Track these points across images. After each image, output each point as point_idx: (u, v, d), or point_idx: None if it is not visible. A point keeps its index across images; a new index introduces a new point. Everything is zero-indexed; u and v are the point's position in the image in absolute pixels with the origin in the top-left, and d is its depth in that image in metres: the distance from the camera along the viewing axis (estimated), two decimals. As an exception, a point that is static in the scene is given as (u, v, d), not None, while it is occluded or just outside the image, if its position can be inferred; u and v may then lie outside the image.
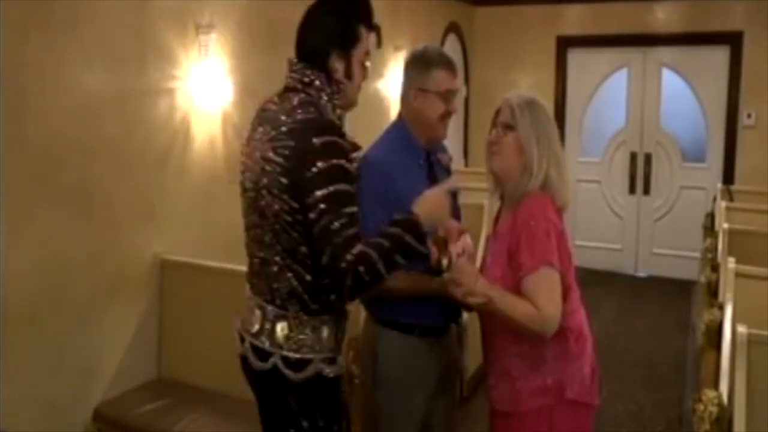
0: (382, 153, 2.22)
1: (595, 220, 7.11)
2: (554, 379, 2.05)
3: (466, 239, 2.12)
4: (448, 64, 2.27)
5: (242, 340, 1.92)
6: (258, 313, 1.86)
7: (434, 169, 2.30)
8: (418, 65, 2.27)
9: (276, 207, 1.75)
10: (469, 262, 2.09)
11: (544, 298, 1.93)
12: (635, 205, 7.12)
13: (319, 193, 1.67)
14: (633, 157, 7.09)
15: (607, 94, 7.19)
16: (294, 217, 1.74)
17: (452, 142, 4.30)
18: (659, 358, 4.94)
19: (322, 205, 1.67)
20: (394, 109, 5.52)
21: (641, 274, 7.11)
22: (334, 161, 1.69)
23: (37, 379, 2.68)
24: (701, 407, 2.30)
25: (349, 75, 1.88)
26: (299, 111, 1.78)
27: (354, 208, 1.70)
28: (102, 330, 2.96)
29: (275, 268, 1.81)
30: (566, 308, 2.02)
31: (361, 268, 1.66)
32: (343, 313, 1.92)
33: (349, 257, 1.65)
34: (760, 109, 6.52)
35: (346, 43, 1.87)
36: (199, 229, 3.47)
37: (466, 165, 6.90)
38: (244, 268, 3.25)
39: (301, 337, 1.82)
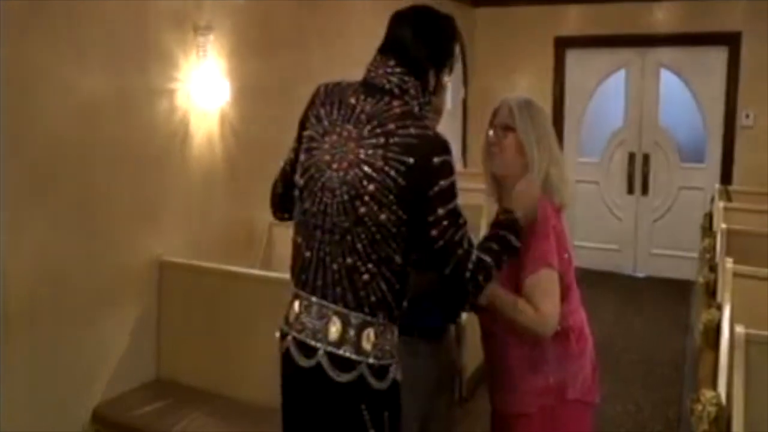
0: None
1: (593, 220, 7.12)
2: (556, 379, 2.06)
3: None
4: None
5: (309, 349, 1.78)
6: (336, 320, 1.77)
7: None
8: None
9: (382, 217, 1.73)
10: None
11: (545, 300, 1.94)
12: (633, 205, 7.13)
13: (441, 210, 1.73)
14: (631, 157, 7.10)
15: (605, 95, 7.19)
16: (399, 229, 1.74)
17: (451, 143, 4.28)
18: (658, 358, 4.94)
19: (444, 222, 1.74)
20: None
21: (640, 274, 7.11)
22: (452, 178, 1.76)
23: (36, 381, 2.69)
24: (699, 407, 2.31)
25: (436, 91, 1.93)
26: (409, 123, 1.76)
27: (464, 219, 1.80)
28: (101, 331, 2.96)
29: (366, 276, 1.75)
30: (567, 308, 2.03)
31: (481, 276, 1.79)
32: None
33: (470, 266, 1.77)
34: (759, 109, 6.52)
35: (444, 64, 1.93)
36: (198, 230, 3.47)
37: (465, 166, 6.90)
38: (242, 269, 3.31)
39: (384, 343, 1.80)
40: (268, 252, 3.90)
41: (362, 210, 1.73)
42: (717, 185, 6.12)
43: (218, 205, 3.62)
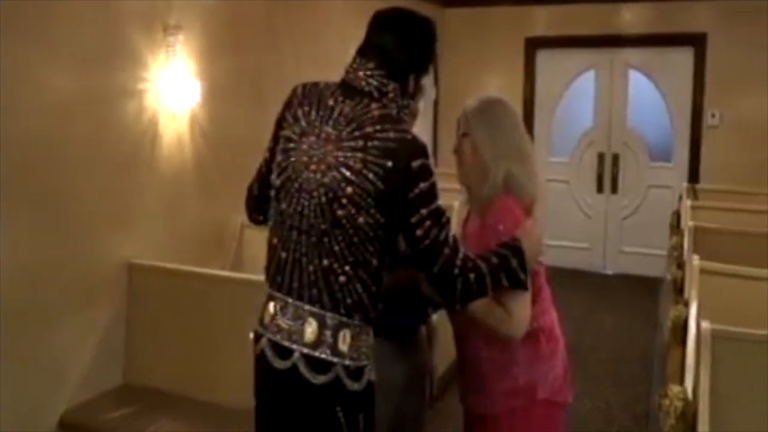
0: None
1: (564, 219, 7.18)
2: (526, 380, 2.07)
3: None
4: None
5: (285, 351, 1.78)
6: (313, 321, 1.76)
7: None
8: None
9: (360, 220, 1.73)
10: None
11: (516, 302, 1.94)
12: (603, 204, 7.21)
13: (424, 210, 1.75)
14: (601, 157, 7.18)
15: (575, 95, 7.27)
16: (376, 232, 1.75)
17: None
18: (627, 355, 5.00)
19: (428, 222, 1.75)
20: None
21: (609, 272, 7.19)
22: (432, 180, 1.77)
23: (1, 387, 2.64)
24: (667, 402, 2.34)
25: (414, 96, 1.94)
26: (388, 126, 1.76)
27: (447, 218, 1.81)
28: (68, 335, 2.92)
29: (343, 278, 1.76)
30: (537, 309, 2.04)
31: (471, 276, 1.79)
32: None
33: (459, 263, 1.77)
34: (724, 109, 6.65)
35: (424, 69, 1.94)
36: (168, 231, 3.44)
37: (436, 165, 6.91)
38: (213, 271, 3.29)
39: (360, 344, 1.80)
40: (240, 253, 3.88)
41: (340, 212, 1.74)
42: (684, 184, 6.22)
43: (188, 206, 3.59)
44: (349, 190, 1.73)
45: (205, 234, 3.73)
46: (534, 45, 7.22)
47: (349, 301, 1.77)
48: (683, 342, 3.18)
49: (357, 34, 1.91)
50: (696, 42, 6.71)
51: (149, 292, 3.18)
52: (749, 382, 2.43)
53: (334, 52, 4.59)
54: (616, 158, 7.15)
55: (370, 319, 1.82)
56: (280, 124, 1.90)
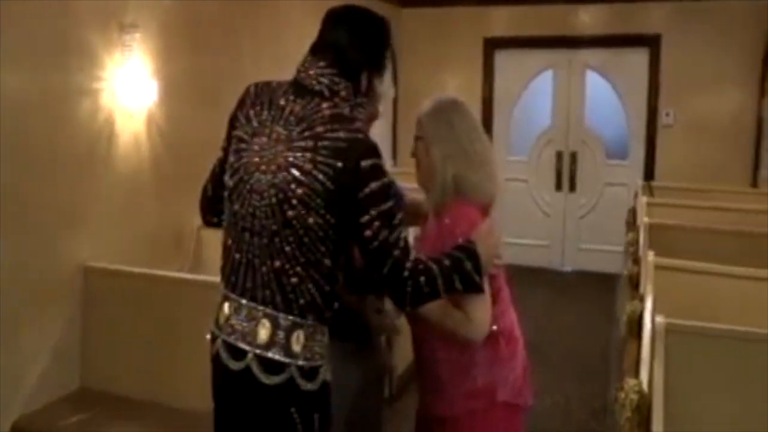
0: None
1: (523, 217, 7.26)
2: (485, 382, 2.08)
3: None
4: None
5: (239, 352, 1.78)
6: (266, 322, 1.75)
7: None
8: None
9: (310, 220, 1.72)
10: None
11: (473, 305, 1.93)
12: (562, 202, 7.31)
13: (374, 211, 1.72)
14: (559, 155, 7.28)
15: (533, 95, 7.35)
16: (327, 233, 1.73)
17: (381, 143, 4.35)
18: (586, 351, 5.08)
19: (377, 223, 1.72)
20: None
21: (568, 269, 7.30)
22: (384, 180, 1.75)
23: (-48, 393, 2.58)
24: (623, 395, 2.38)
25: (367, 94, 1.90)
26: (338, 126, 1.74)
27: (399, 220, 1.78)
28: (21, 340, 2.85)
29: (295, 279, 1.74)
30: (496, 311, 2.04)
31: (422, 279, 1.76)
32: None
33: (409, 265, 1.75)
34: (678, 108, 6.81)
35: (378, 67, 1.90)
36: (124, 233, 3.38)
37: (395, 164, 6.94)
38: (170, 273, 3.25)
39: (314, 344, 1.79)
40: (199, 255, 3.83)
41: (290, 213, 1.73)
42: (640, 181, 6.34)
43: (145, 207, 3.54)
44: (299, 191, 1.72)
45: (163, 235, 3.68)
46: (492, 45, 7.28)
47: (302, 301, 1.76)
48: (639, 336, 3.23)
49: (312, 34, 1.90)
50: (651, 43, 6.85)
51: (105, 296, 3.13)
52: (703, 374, 2.49)
53: (293, 51, 4.53)
54: (574, 156, 7.25)
55: (325, 319, 1.82)
56: (232, 123, 1.89)
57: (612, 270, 6.52)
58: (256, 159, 1.78)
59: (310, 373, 1.78)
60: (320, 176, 1.71)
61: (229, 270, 1.84)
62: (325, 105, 1.78)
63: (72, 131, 3.08)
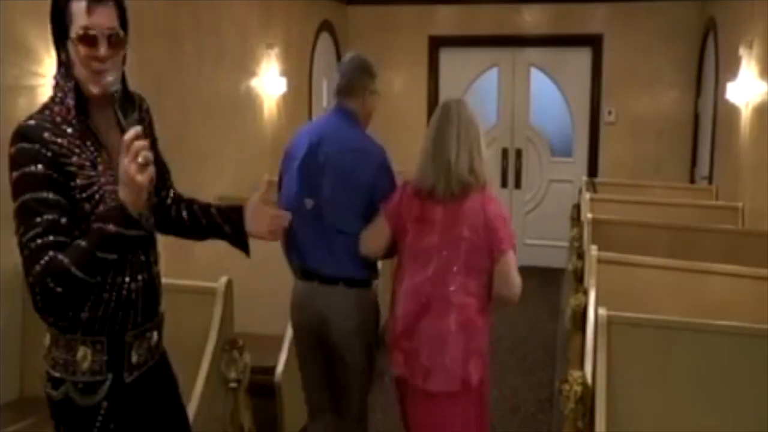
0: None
1: (470, 214, 7.31)
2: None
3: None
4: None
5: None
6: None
7: None
8: (371, 71, 2.77)
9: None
10: None
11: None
12: (507, 198, 7.39)
13: (14, 206, 1.58)
14: (504, 152, 7.38)
15: (478, 93, 7.40)
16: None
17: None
18: (532, 344, 5.17)
19: (16, 220, 1.58)
20: (267, 106, 5.47)
21: (515, 264, 7.38)
22: (23, 170, 1.57)
23: None
24: (567, 387, 2.43)
25: (68, 61, 1.67)
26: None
27: (51, 215, 1.55)
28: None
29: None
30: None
31: (49, 279, 1.51)
32: (117, 336, 1.73)
33: (37, 268, 1.52)
34: (619, 106, 6.98)
35: (61, 26, 1.65)
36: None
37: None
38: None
39: (55, 353, 1.75)
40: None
41: None
42: (584, 178, 6.45)
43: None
44: None
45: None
46: (437, 43, 7.33)
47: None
48: (583, 329, 3.31)
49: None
50: (593, 43, 6.99)
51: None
52: (644, 364, 2.56)
53: (233, 47, 4.62)
54: (519, 154, 7.36)
55: (62, 328, 1.73)
56: None
57: (557, 265, 6.64)
58: None
59: (54, 383, 1.81)
60: None
61: None
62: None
63: (8, 128, 2.97)
